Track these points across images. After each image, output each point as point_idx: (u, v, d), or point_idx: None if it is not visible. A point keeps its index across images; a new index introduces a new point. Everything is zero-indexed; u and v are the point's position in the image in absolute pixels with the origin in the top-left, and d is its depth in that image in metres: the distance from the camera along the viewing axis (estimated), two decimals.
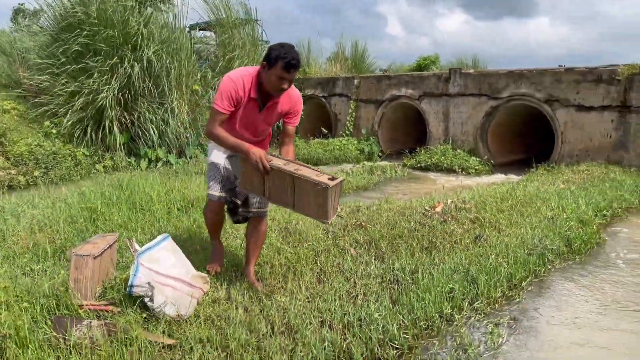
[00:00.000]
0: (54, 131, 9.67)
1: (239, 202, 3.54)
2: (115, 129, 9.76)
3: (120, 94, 9.90)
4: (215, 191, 3.53)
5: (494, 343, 3.20)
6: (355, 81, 13.10)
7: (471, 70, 11.24)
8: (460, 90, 10.80)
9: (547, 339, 3.32)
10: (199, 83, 11.59)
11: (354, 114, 13.08)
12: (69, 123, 9.61)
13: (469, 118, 10.74)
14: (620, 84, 8.53)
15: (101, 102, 9.59)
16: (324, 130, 13.15)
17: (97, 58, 9.86)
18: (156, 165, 9.86)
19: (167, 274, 3.16)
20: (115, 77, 9.82)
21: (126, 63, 9.88)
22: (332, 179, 2.97)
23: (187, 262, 3.41)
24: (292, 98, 3.44)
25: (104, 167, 9.44)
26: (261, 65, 3.19)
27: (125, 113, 10.04)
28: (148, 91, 10.21)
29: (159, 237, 3.33)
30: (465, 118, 10.80)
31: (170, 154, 10.33)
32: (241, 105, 3.30)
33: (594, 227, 5.47)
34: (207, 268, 3.74)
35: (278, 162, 3.09)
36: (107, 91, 9.64)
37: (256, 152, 3.07)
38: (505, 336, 3.30)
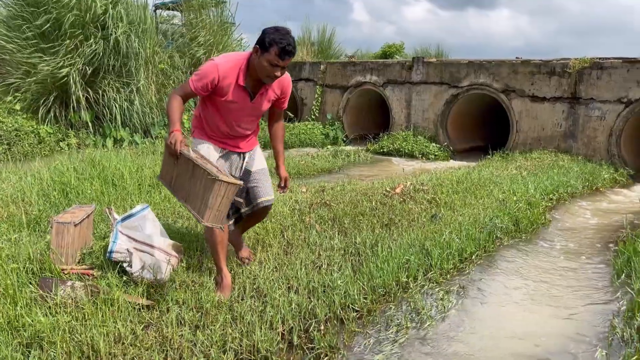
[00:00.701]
0: (17, 107, 9.55)
1: (241, 200, 3.31)
2: (81, 106, 9.71)
3: (85, 71, 9.84)
4: None
5: (444, 307, 3.55)
6: (322, 66, 13.32)
7: (433, 59, 11.62)
8: (422, 78, 11.17)
9: (489, 304, 3.70)
10: (166, 62, 11.59)
11: (320, 99, 13.32)
12: (32, 98, 9.51)
13: (430, 105, 11.14)
14: (571, 76, 9.04)
15: (65, 79, 9.52)
16: (290, 115, 13.34)
17: (62, 34, 9.75)
18: (122, 145, 9.88)
19: (145, 241, 3.36)
20: (80, 54, 9.75)
21: (92, 41, 9.81)
22: (229, 181, 2.76)
23: (163, 232, 3.62)
24: (283, 82, 3.23)
25: (69, 145, 9.41)
26: (253, 49, 2.96)
27: (90, 91, 9.99)
28: (114, 70, 10.18)
29: (139, 206, 3.52)
30: (427, 105, 11.20)
31: (135, 133, 10.34)
32: (228, 93, 3.06)
33: (541, 209, 5.92)
34: (218, 297, 3.19)
35: (190, 153, 2.90)
36: (71, 68, 9.57)
37: (177, 134, 2.90)
38: (454, 302, 3.66)
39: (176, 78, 12.00)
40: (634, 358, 2.68)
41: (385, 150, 10.99)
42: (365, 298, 3.45)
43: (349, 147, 11.27)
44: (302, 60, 14.72)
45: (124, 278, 3.21)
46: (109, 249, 3.21)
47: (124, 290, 3.09)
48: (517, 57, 10.18)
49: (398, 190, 6.09)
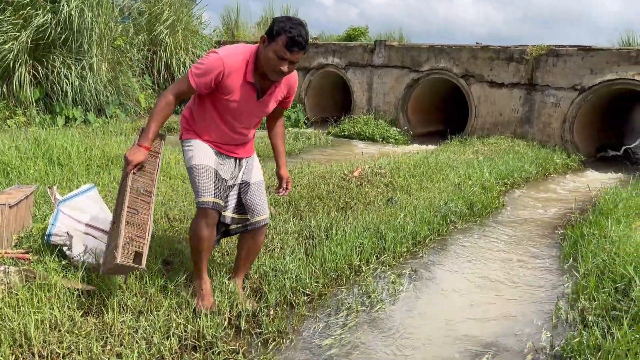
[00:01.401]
0: None
1: (227, 211, 2.95)
2: (26, 83, 9.26)
3: (31, 46, 9.37)
4: (209, 196, 2.73)
5: (395, 290, 3.55)
6: None
7: (395, 43, 11.60)
8: (384, 61, 11.14)
9: (441, 287, 3.72)
10: (123, 38, 11.18)
11: None
12: None
13: (391, 89, 11.13)
14: (529, 63, 9.17)
15: (8, 53, 9.05)
16: None
17: (7, 7, 9.26)
18: (74, 124, 9.51)
19: (89, 223, 3.22)
20: (27, 28, 9.28)
21: (41, 14, 9.35)
22: (135, 254, 2.52)
23: (109, 213, 3.47)
24: (291, 79, 2.86)
25: (16, 123, 8.99)
26: (261, 39, 2.61)
27: (39, 67, 9.55)
28: (65, 45, 9.75)
29: (84, 186, 3.37)
30: (388, 89, 11.19)
31: (89, 112, 9.98)
32: (234, 91, 2.69)
33: (495, 193, 6.01)
34: (198, 306, 2.88)
35: (138, 180, 2.68)
36: (15, 42, 9.09)
37: (137, 153, 2.66)
38: (405, 285, 3.66)
39: (133, 56, 11.62)
40: (576, 340, 2.73)
41: (346, 133, 10.95)
42: (316, 282, 3.41)
43: (310, 130, 11.18)
44: None
45: (64, 262, 3.06)
46: (47, 232, 3.06)
47: (63, 275, 2.95)
48: (477, 43, 10.25)
49: (356, 173, 6.06)
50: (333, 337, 2.91)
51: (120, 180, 2.86)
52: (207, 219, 2.76)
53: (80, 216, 3.25)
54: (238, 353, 2.68)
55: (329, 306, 3.27)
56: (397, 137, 10.59)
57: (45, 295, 2.74)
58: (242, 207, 2.97)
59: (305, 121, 12.22)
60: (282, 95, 2.87)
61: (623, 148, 10.44)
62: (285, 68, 2.59)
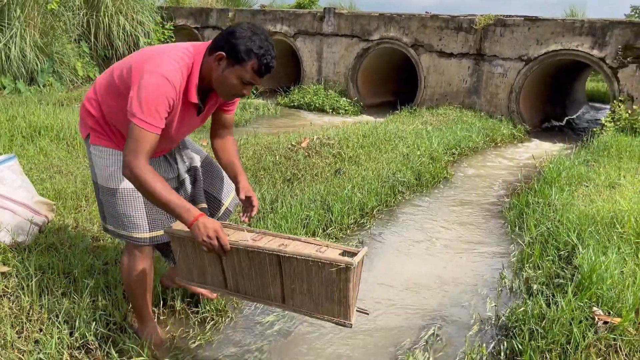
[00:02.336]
0: None
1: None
2: None
3: None
4: (144, 231, 2.20)
5: None
6: (230, 14, 12.63)
7: (345, 11, 11.35)
8: (333, 30, 10.89)
9: (387, 258, 3.64)
10: (56, 1, 10.43)
11: None
12: None
13: (341, 59, 10.93)
14: (477, 33, 9.16)
15: None
16: None
17: None
18: (3, 92, 8.85)
19: (9, 196, 2.93)
20: None
21: None
22: (348, 252, 1.92)
23: (31, 187, 3.18)
24: None
25: None
26: (216, 55, 2.00)
27: None
28: None
29: (4, 156, 3.05)
30: (338, 59, 10.98)
31: (18, 80, 9.31)
32: (174, 112, 2.07)
33: (443, 164, 5.99)
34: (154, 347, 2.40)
35: (241, 236, 2.05)
36: None
37: (208, 224, 1.94)
38: None
39: (68, 20, 10.88)
40: (521, 309, 2.70)
41: (296, 104, 10.71)
42: None
43: (258, 101, 10.87)
44: (209, 6, 13.90)
45: None
46: None
47: None
48: (426, 12, 10.15)
49: (304, 144, 5.89)
50: (275, 314, 2.77)
51: (199, 265, 2.18)
52: (143, 256, 2.25)
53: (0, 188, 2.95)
54: (173, 335, 2.50)
55: None
56: (347, 108, 10.44)
57: None
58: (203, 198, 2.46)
59: (254, 91, 11.88)
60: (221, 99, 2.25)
61: (565, 119, 10.73)
62: (247, 92, 2.11)
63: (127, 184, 2.14)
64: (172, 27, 13.25)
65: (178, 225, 2.10)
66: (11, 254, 2.76)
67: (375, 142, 6.28)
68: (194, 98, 2.06)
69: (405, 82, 11.23)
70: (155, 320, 2.53)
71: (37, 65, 9.67)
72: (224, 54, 1.99)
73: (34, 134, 4.87)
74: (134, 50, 11.81)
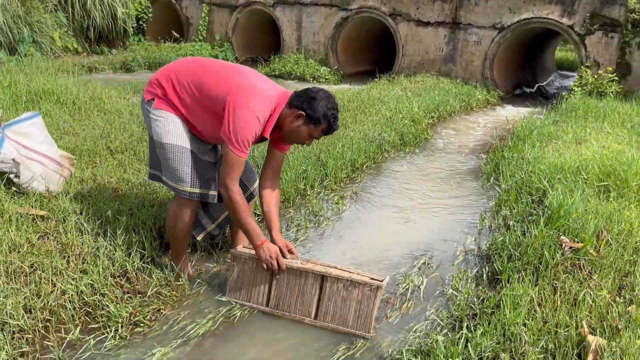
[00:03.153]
0: None
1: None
2: None
3: None
4: (185, 185, 2.53)
5: (339, 210, 3.81)
6: None
7: None
8: None
9: (379, 206, 4.02)
10: None
11: (207, 18, 12.73)
12: None
13: (320, 28, 11.14)
14: (453, 2, 9.47)
15: None
16: (176, 35, 12.66)
17: None
18: None
19: (35, 149, 3.18)
20: None
21: None
22: (374, 279, 2.40)
23: (53, 142, 3.43)
24: None
25: None
26: (296, 114, 2.39)
27: None
28: None
29: (29, 113, 3.29)
30: (317, 28, 11.18)
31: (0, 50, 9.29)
32: None
33: (423, 125, 6.37)
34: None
35: (291, 261, 2.50)
36: None
37: (271, 247, 2.46)
38: (348, 205, 3.93)
39: None
40: (500, 239, 3.11)
41: (277, 73, 10.91)
42: None
43: None
44: None
45: (13, 190, 3.03)
46: None
47: (14, 202, 2.93)
48: None
49: None
50: None
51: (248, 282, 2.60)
52: (190, 209, 2.61)
53: (26, 142, 3.20)
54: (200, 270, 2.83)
55: (280, 224, 3.47)
56: (327, 77, 10.70)
57: None
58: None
59: (234, 61, 12.02)
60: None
61: (536, 85, 11.22)
62: (309, 143, 2.54)
63: (176, 141, 2.50)
64: None
65: (240, 249, 2.62)
66: (46, 200, 3.03)
67: (360, 106, 6.62)
68: (268, 135, 2.47)
69: (384, 51, 11.52)
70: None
71: (18, 34, 9.63)
72: (303, 113, 2.39)
73: (35, 99, 5.05)
74: (112, 22, 11.84)
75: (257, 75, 2.53)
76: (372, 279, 2.40)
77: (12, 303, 2.21)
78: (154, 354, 2.21)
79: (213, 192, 2.65)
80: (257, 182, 2.88)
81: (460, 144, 6.06)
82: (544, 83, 11.69)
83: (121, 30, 12.26)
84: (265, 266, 2.48)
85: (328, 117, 2.41)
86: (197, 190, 2.56)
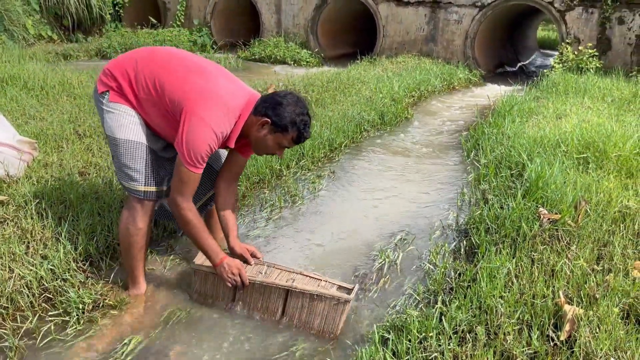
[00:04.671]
0: None
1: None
2: None
3: None
4: (139, 184, 2.29)
5: (315, 189, 3.72)
6: None
7: None
8: None
9: (356, 184, 3.94)
10: None
11: (184, 3, 12.47)
12: None
13: (300, 10, 10.96)
14: None
15: None
16: (153, 21, 12.39)
17: None
18: None
19: None
20: None
21: None
22: (342, 287, 2.27)
23: (11, 127, 3.29)
24: None
25: None
26: (260, 121, 2.17)
27: None
28: None
29: None
30: (297, 10, 11.00)
31: None
32: None
33: (404, 105, 6.28)
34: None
35: (253, 270, 2.37)
36: None
37: (232, 264, 2.29)
38: (325, 184, 3.84)
39: None
40: (478, 213, 3.04)
41: (257, 56, 10.75)
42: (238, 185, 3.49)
43: (218, 54, 10.84)
44: None
45: None
46: None
47: None
48: None
49: (270, 90, 6.06)
50: (259, 229, 3.04)
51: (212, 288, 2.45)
52: (145, 210, 2.33)
53: None
54: (172, 249, 2.74)
55: (253, 204, 3.38)
56: (308, 60, 10.55)
57: None
58: None
59: (213, 45, 11.81)
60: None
61: (518, 64, 11.17)
62: (280, 154, 2.32)
63: (130, 136, 2.25)
64: None
65: (199, 260, 2.41)
66: (6, 185, 2.90)
67: (339, 86, 6.51)
68: (232, 145, 2.24)
69: (365, 33, 11.38)
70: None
71: None
72: (269, 120, 2.16)
73: (1, 84, 4.87)
74: (88, 8, 11.57)
75: (222, 76, 2.28)
76: (340, 287, 2.26)
77: None
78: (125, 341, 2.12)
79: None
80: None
81: (440, 122, 5.99)
82: (526, 62, 11.65)
83: (97, 17, 12.00)
84: (228, 284, 2.31)
85: (297, 123, 2.17)
86: (153, 189, 2.31)
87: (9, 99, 4.57)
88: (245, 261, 2.39)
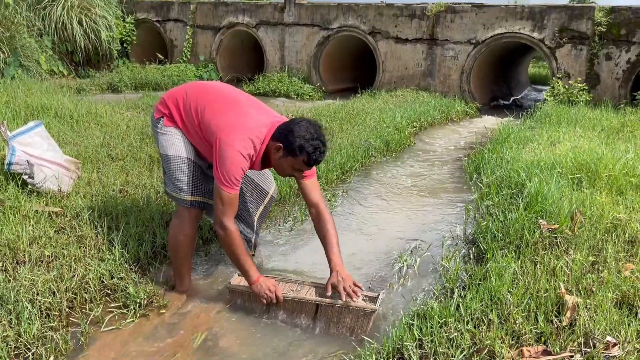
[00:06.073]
0: None
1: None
2: None
3: None
4: (195, 194, 2.60)
5: (332, 205, 4.05)
6: (192, 6, 12.96)
7: (304, 1, 11.90)
8: (294, 20, 11.44)
9: (369, 202, 4.27)
10: None
11: (191, 40, 13.02)
12: None
13: (303, 47, 11.50)
14: (430, 19, 9.92)
15: None
16: (160, 57, 12.90)
17: None
18: None
19: (42, 157, 3.36)
20: None
21: None
22: (368, 297, 2.49)
23: (58, 149, 3.61)
24: None
25: None
26: (275, 146, 2.41)
27: None
28: None
29: (31, 123, 3.47)
30: (300, 47, 11.54)
31: None
32: None
33: (407, 133, 6.66)
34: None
35: (285, 287, 2.58)
36: None
37: (267, 283, 2.52)
38: (340, 201, 4.17)
39: (27, 14, 10.98)
40: (484, 224, 3.36)
41: (261, 91, 11.20)
42: None
43: None
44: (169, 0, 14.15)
45: (26, 190, 3.21)
46: (7, 161, 3.17)
47: (29, 200, 3.11)
48: (381, 1, 10.85)
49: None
50: (284, 237, 3.36)
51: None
52: (189, 219, 2.60)
53: (31, 151, 3.38)
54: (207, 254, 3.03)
55: (277, 217, 3.70)
56: (310, 94, 11.02)
57: (15, 217, 2.91)
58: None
59: (219, 81, 12.27)
60: None
61: (512, 99, 11.68)
62: (299, 175, 2.53)
63: (179, 153, 2.58)
64: (133, 22, 13.47)
65: (235, 281, 2.66)
66: (58, 200, 3.21)
67: (345, 116, 6.90)
68: (257, 167, 2.55)
69: (364, 69, 11.90)
70: None
71: (2, 59, 9.78)
72: (281, 145, 2.39)
73: (34, 113, 5.21)
74: (97, 45, 12.05)
75: (253, 107, 2.57)
76: (366, 297, 2.47)
77: (41, 281, 2.38)
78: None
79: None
80: (274, 186, 3.05)
81: (441, 150, 6.36)
82: (519, 96, 12.17)
83: (106, 53, 12.48)
84: (264, 301, 2.53)
85: (305, 148, 2.34)
86: (198, 199, 2.59)
87: (46, 123, 4.90)
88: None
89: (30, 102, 5.44)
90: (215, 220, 2.48)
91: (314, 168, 2.63)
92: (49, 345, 2.15)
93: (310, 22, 11.24)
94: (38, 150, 3.42)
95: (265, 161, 2.53)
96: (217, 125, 2.46)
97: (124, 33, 13.37)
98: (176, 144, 2.59)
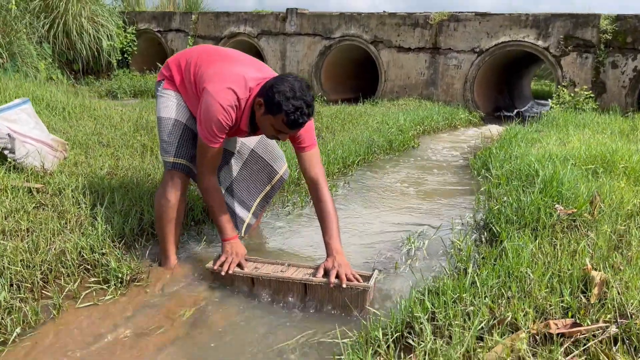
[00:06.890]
0: None
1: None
2: None
3: None
4: (180, 157, 2.44)
5: (332, 193, 3.82)
6: (193, 16, 12.93)
7: (306, 11, 11.85)
8: (296, 29, 11.37)
9: (371, 192, 4.05)
10: (17, 1, 10.46)
11: None
12: None
13: (304, 57, 11.40)
14: (432, 28, 9.83)
15: None
16: (160, 66, 12.82)
17: None
18: None
19: (27, 134, 3.16)
20: None
21: None
22: (362, 276, 2.26)
23: (44, 128, 3.42)
24: None
25: None
26: (257, 101, 2.22)
27: None
28: None
29: (17, 100, 3.29)
30: (301, 57, 11.45)
31: None
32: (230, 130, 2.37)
33: (410, 135, 6.48)
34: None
35: (270, 269, 2.36)
36: None
37: (235, 247, 2.38)
38: (340, 191, 3.97)
39: (29, 23, 10.92)
40: (496, 207, 3.14)
41: None
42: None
43: None
44: (171, 10, 14.14)
45: (7, 164, 3.00)
46: None
47: (8, 176, 2.90)
48: (384, 11, 10.77)
49: None
50: (282, 221, 3.14)
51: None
52: (175, 182, 2.43)
53: (16, 127, 3.18)
54: (199, 234, 2.80)
55: (276, 202, 3.49)
56: None
57: None
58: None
59: None
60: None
61: (515, 111, 11.53)
62: (283, 138, 2.30)
63: (170, 114, 2.46)
64: (134, 32, 13.42)
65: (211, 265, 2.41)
66: (41, 177, 3.00)
67: (347, 117, 6.74)
68: (244, 126, 2.34)
69: (366, 79, 11.79)
70: None
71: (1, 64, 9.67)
72: (262, 102, 2.19)
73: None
74: (98, 54, 11.98)
75: (248, 63, 2.42)
76: (360, 276, 2.24)
77: (10, 247, 2.16)
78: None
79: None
80: (285, 167, 2.89)
81: (446, 150, 6.16)
82: (523, 109, 12.03)
83: (106, 62, 12.40)
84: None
85: (283, 107, 2.12)
86: (181, 161, 2.43)
87: (43, 107, 4.73)
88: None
89: (21, 93, 5.27)
90: (197, 173, 2.42)
91: (313, 137, 2.44)
92: (16, 316, 1.92)
93: (312, 31, 11.16)
94: (24, 128, 3.23)
95: (255, 122, 2.33)
96: (203, 75, 2.34)
97: (125, 43, 13.31)
98: (169, 107, 2.49)
